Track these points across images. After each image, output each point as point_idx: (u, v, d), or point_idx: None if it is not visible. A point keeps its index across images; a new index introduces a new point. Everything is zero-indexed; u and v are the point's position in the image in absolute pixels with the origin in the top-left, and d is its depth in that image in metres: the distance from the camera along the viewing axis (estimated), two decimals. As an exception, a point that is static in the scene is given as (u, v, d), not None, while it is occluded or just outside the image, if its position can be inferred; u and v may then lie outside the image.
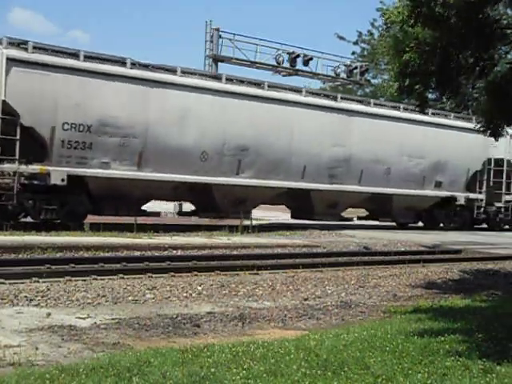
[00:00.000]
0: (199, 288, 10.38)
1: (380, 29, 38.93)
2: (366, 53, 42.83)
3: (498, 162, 27.77)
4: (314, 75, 29.89)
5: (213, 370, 5.25)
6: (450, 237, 22.50)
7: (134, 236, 16.06)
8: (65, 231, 15.95)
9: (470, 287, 12.25)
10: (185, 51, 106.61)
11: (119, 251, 14.02)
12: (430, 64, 8.15)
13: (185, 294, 9.88)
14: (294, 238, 19.13)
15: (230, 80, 20.56)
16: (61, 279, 10.20)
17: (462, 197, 26.73)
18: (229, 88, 20.27)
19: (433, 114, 25.14)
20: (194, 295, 9.91)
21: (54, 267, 11.00)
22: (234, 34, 26.89)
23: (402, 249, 18.29)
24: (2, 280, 9.74)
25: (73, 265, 11.43)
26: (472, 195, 27.20)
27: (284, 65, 28.26)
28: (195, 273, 11.74)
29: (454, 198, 26.53)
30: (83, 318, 7.84)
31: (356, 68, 30.78)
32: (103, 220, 18.09)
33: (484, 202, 27.53)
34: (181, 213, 22.19)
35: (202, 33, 30.73)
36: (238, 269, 12.40)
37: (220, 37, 26.88)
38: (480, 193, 27.51)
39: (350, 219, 25.31)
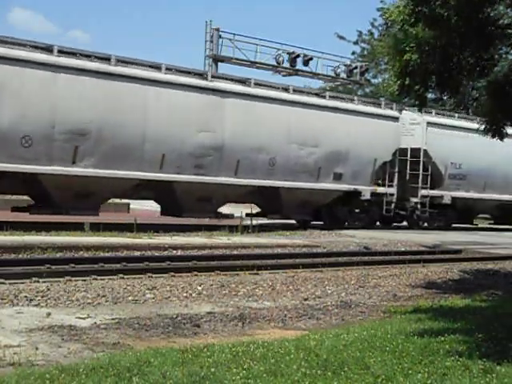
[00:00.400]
0: (199, 288, 10.38)
1: (380, 28, 39.02)
2: (366, 53, 42.83)
3: (414, 153, 24.88)
4: (314, 75, 29.88)
5: (213, 369, 5.25)
6: (450, 237, 22.51)
7: (133, 236, 16.06)
8: (65, 231, 15.95)
9: (470, 287, 12.25)
10: (185, 51, 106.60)
11: (119, 251, 14.02)
12: (430, 64, 8.16)
13: (185, 294, 9.88)
14: (294, 237, 19.12)
15: (65, 53, 17.46)
16: (61, 279, 10.20)
17: (367, 191, 23.42)
18: (61, 62, 17.07)
19: (331, 97, 22.95)
20: (194, 295, 9.91)
21: (54, 267, 10.99)
22: (234, 34, 26.88)
23: (402, 249, 18.29)
24: (1, 280, 9.74)
25: (73, 265, 11.43)
26: (380, 189, 24.04)
27: (284, 65, 28.23)
28: (195, 273, 11.74)
29: (358, 193, 23.30)
30: (83, 318, 7.84)
31: (356, 68, 30.77)
32: (103, 220, 18.09)
33: (395, 197, 24.42)
34: (14, 208, 18.62)
35: (201, 33, 30.72)
36: (238, 269, 12.39)
37: (220, 37, 26.86)
38: (390, 186, 24.35)
39: (231, 216, 21.74)
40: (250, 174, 20.48)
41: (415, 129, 25.30)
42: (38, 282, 9.89)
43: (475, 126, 26.81)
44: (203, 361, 5.55)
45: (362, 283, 12.09)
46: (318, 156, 22.03)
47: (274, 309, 9.18)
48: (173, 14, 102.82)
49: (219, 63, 27.30)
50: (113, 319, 7.88)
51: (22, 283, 9.70)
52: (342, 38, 44.27)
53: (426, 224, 26.19)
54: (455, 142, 25.61)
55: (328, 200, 22.93)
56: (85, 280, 10.33)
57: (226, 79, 20.68)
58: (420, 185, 25.05)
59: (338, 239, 19.48)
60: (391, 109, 24.86)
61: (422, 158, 24.93)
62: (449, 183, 26.21)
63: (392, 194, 24.35)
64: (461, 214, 27.10)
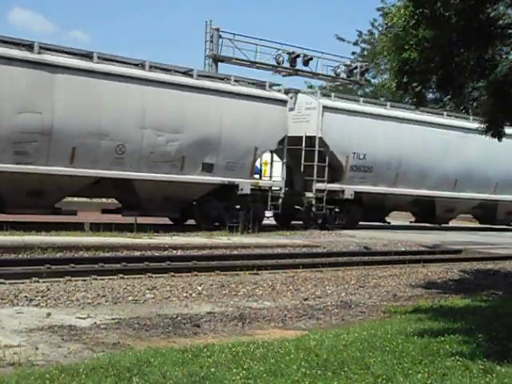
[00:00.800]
0: (199, 288, 10.38)
1: (380, 28, 38.98)
2: (366, 53, 42.79)
3: (310, 141, 21.80)
4: (314, 75, 29.88)
5: (213, 369, 5.26)
6: (450, 237, 22.53)
7: (134, 236, 16.05)
8: (65, 231, 15.94)
9: (470, 287, 12.26)
10: (185, 51, 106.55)
11: (119, 251, 14.01)
12: (429, 62, 8.15)
13: (185, 294, 9.88)
14: (294, 237, 19.12)
15: None
16: (61, 279, 10.20)
17: (246, 184, 20.06)
18: None
19: (200, 76, 19.56)
20: (194, 295, 9.91)
21: (54, 267, 11.00)
22: (234, 34, 26.86)
23: (402, 249, 18.29)
24: (1, 280, 9.74)
25: (73, 265, 11.43)
26: (264, 183, 21.31)
27: (284, 65, 28.22)
28: (195, 273, 11.74)
29: (235, 187, 19.95)
30: (83, 318, 7.85)
31: (356, 68, 30.76)
32: (103, 220, 18.07)
33: (283, 191, 21.23)
34: None
35: (201, 33, 30.67)
36: (238, 269, 12.40)
37: (220, 37, 26.84)
38: (277, 179, 21.54)
39: (73, 212, 18.21)
40: (91, 164, 17.17)
41: (311, 114, 22.13)
42: (38, 282, 9.89)
43: (382, 111, 23.91)
44: (203, 361, 5.55)
45: (362, 283, 12.09)
46: (181, 143, 18.65)
47: (274, 309, 9.19)
48: (173, 14, 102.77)
49: (219, 63, 27.31)
50: (113, 319, 7.88)
51: (22, 283, 9.70)
52: (341, 39, 44.25)
53: (326, 223, 22.56)
54: (358, 129, 22.50)
55: (198, 195, 19.67)
56: (85, 280, 10.33)
57: (62, 52, 17.19)
58: (315, 177, 21.78)
59: (338, 239, 19.49)
60: (279, 91, 21.58)
61: (317, 147, 21.71)
62: (351, 176, 22.64)
63: (279, 189, 21.31)
64: (368, 210, 23.54)
